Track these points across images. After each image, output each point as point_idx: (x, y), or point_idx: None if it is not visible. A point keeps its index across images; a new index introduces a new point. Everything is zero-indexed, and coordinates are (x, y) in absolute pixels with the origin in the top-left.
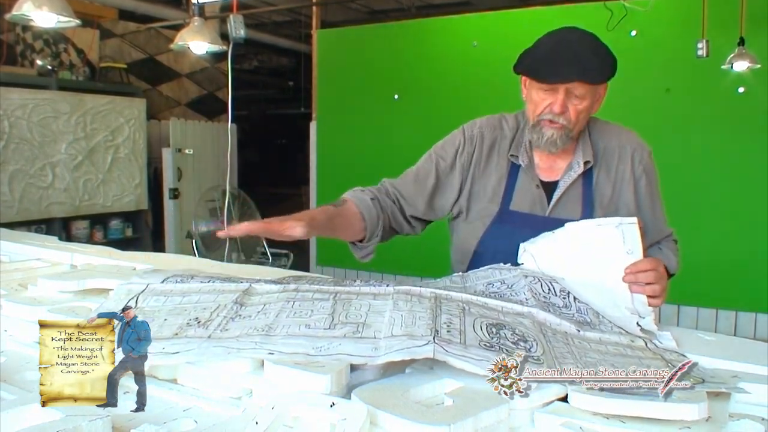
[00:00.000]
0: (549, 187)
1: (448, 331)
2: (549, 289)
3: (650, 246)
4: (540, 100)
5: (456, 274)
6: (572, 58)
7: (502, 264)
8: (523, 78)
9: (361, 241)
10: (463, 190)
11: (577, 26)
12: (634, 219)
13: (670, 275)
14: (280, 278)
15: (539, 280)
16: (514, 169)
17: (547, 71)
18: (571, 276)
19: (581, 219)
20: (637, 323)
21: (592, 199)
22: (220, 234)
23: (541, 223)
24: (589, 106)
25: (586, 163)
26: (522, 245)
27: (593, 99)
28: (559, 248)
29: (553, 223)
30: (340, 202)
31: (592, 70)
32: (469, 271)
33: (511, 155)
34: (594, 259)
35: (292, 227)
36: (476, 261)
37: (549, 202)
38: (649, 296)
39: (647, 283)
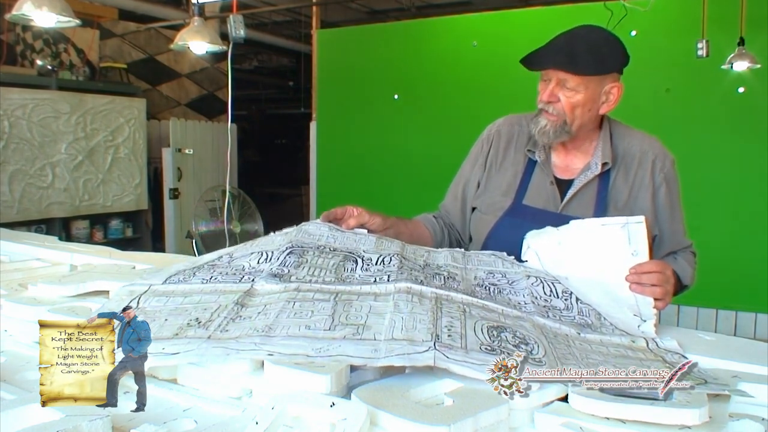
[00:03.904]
0: (564, 185)
1: (449, 335)
2: (551, 291)
3: (666, 255)
4: (540, 90)
5: (457, 250)
6: (561, 47)
7: (506, 254)
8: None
9: None
10: (480, 185)
11: (598, 25)
12: (641, 218)
13: (683, 286)
14: (290, 241)
15: (541, 282)
16: (530, 165)
17: (531, 57)
18: (574, 275)
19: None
20: (638, 326)
21: (606, 201)
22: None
23: (552, 219)
24: (585, 101)
25: (604, 164)
26: (525, 241)
27: (591, 94)
28: (564, 246)
29: (564, 221)
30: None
31: (576, 62)
32: (472, 252)
33: (528, 150)
34: (598, 259)
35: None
36: None
37: (562, 200)
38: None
39: (651, 285)
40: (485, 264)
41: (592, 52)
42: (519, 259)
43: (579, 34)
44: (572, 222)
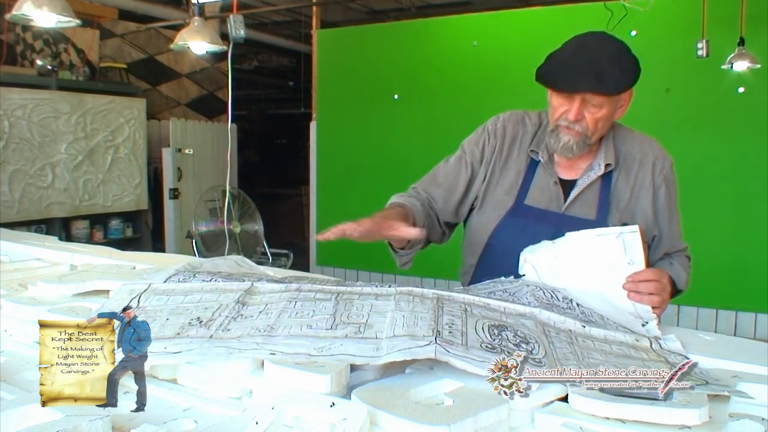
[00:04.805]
0: (567, 185)
1: (449, 332)
2: (552, 296)
3: (661, 258)
4: (558, 105)
5: (457, 288)
6: (588, 67)
7: (503, 278)
8: None
9: (402, 248)
10: (483, 182)
11: (604, 31)
12: (636, 227)
13: (678, 290)
14: (281, 278)
15: (541, 289)
16: (532, 165)
17: (560, 79)
18: (572, 286)
19: (596, 220)
20: (642, 325)
21: (608, 201)
22: (323, 237)
23: (555, 219)
24: (608, 114)
25: (607, 165)
26: (522, 255)
27: (613, 106)
28: (560, 259)
29: (567, 221)
30: (394, 206)
31: (609, 82)
32: (471, 286)
33: (531, 150)
34: (595, 269)
35: (405, 230)
36: (487, 254)
37: (565, 200)
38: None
39: (648, 293)
40: (484, 288)
41: (619, 68)
42: (516, 277)
43: (596, 48)
44: (567, 234)
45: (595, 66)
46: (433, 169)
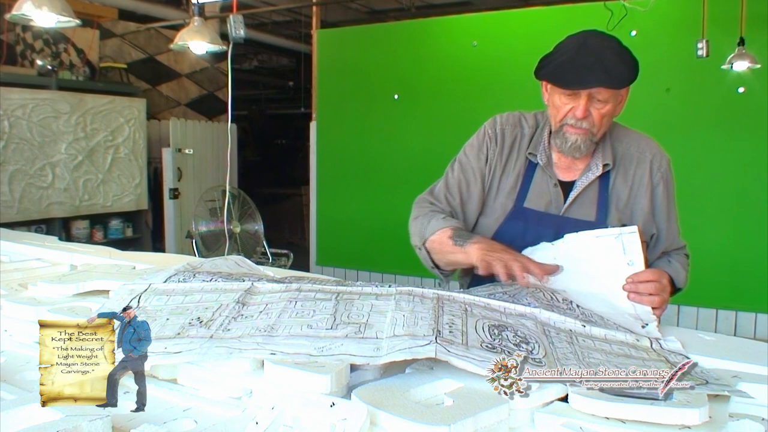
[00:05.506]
0: (566, 187)
1: (450, 332)
2: (551, 298)
3: (660, 257)
4: (562, 104)
5: (456, 291)
6: (595, 63)
7: (503, 282)
8: (545, 83)
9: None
10: (487, 187)
11: (597, 29)
12: (635, 227)
13: (677, 289)
14: (282, 277)
15: (541, 290)
16: (531, 167)
17: (569, 77)
18: (572, 288)
19: (596, 221)
20: (642, 327)
21: (607, 201)
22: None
23: (554, 221)
24: (612, 110)
25: (604, 165)
26: None
27: (616, 102)
28: (560, 261)
29: (567, 223)
30: (462, 233)
31: (616, 75)
32: (470, 288)
33: (529, 153)
34: (595, 271)
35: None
36: None
37: (564, 202)
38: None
39: (648, 294)
40: (484, 290)
41: (623, 62)
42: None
43: (599, 45)
44: (566, 236)
45: (602, 61)
46: (443, 180)
